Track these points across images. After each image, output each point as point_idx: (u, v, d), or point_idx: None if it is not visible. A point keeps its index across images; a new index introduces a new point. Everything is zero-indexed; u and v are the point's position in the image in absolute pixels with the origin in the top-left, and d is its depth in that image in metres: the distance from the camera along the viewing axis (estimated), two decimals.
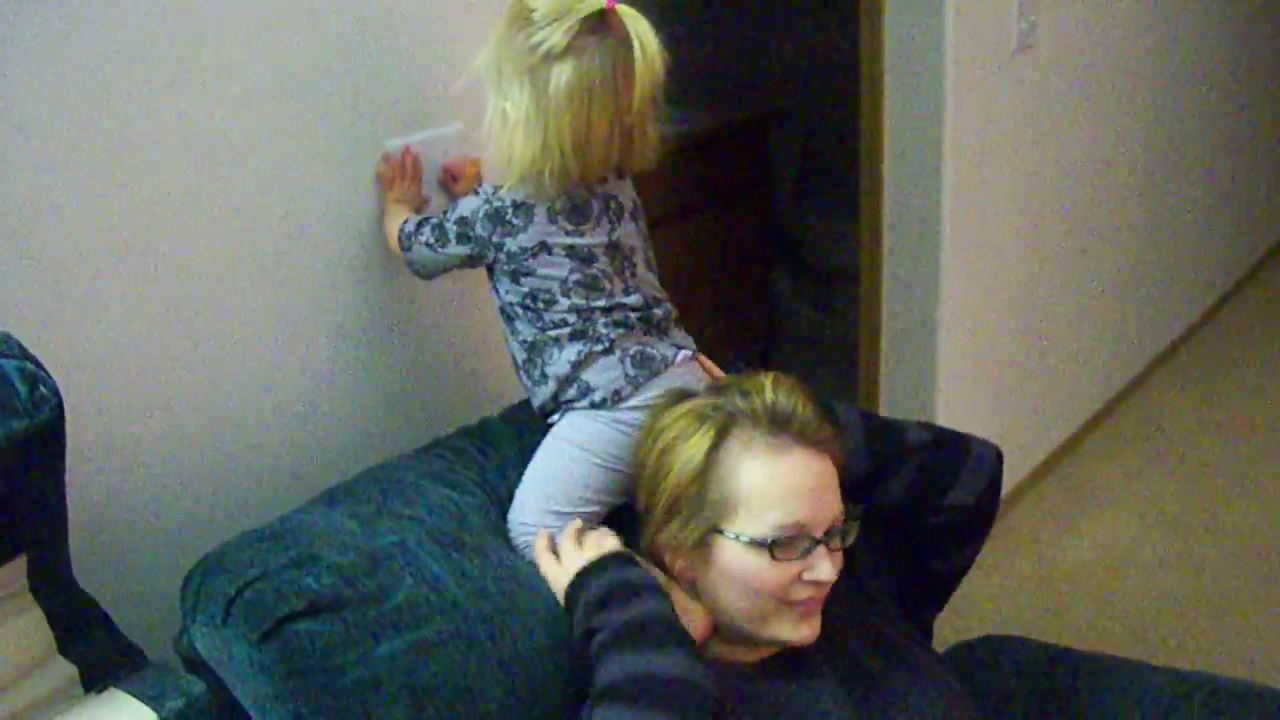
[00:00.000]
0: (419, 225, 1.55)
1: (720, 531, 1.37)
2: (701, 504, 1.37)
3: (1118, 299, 3.75)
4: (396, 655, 1.28)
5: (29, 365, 1.17)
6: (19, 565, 1.16)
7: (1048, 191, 3.17)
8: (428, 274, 1.59)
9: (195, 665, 1.32)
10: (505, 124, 1.42)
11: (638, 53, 1.39)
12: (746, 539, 1.35)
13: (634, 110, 1.42)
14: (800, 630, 1.39)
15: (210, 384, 1.53)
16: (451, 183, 1.70)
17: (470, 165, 1.71)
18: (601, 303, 1.50)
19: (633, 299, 1.52)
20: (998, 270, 3.01)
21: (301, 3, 1.53)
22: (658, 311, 1.55)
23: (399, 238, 1.57)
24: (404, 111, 1.67)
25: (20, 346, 1.19)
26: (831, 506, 1.38)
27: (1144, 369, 4.03)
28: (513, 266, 1.48)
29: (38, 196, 1.33)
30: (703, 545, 1.38)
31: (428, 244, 1.53)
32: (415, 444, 1.62)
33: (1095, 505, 3.34)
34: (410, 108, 1.68)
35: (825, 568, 1.36)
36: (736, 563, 1.37)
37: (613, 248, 1.50)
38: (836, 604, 1.44)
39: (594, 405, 1.50)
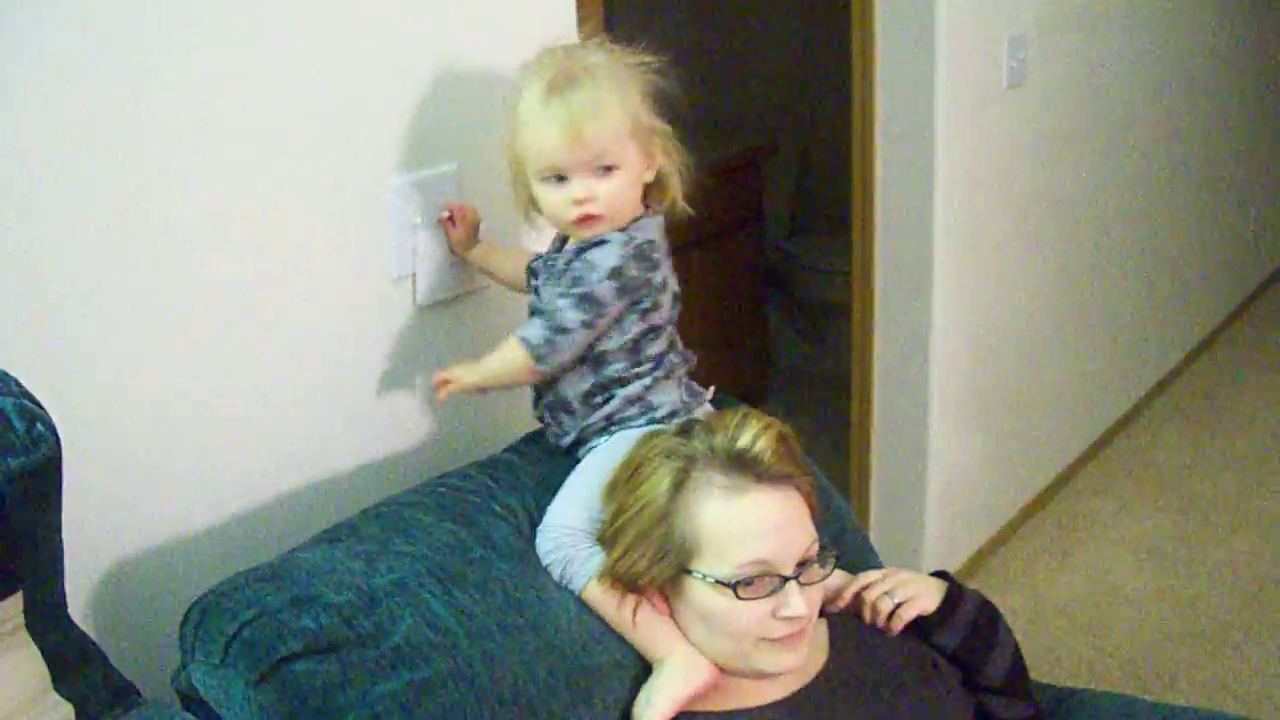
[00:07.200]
0: (547, 323, 1.47)
1: (688, 572, 1.38)
2: (668, 545, 1.38)
3: (1110, 333, 3.76)
4: (395, 695, 1.27)
5: (27, 403, 1.18)
6: (15, 602, 1.16)
7: (1040, 226, 3.19)
8: (573, 358, 1.50)
9: (192, 702, 1.32)
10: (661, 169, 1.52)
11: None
12: (712, 580, 1.36)
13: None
14: (782, 660, 1.40)
15: (211, 420, 1.53)
16: (449, 224, 1.70)
17: (471, 213, 1.71)
18: (678, 339, 1.58)
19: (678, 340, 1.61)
20: (990, 305, 3.03)
21: (315, 45, 1.55)
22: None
23: (532, 353, 1.48)
24: (402, 150, 1.68)
25: (18, 384, 1.20)
26: (798, 541, 1.38)
27: (1136, 403, 4.04)
28: (652, 300, 1.51)
29: (38, 227, 1.32)
30: (675, 584, 1.40)
31: (584, 323, 1.46)
32: (422, 478, 1.62)
33: (1088, 540, 3.35)
34: (408, 147, 1.69)
35: (796, 603, 1.36)
36: (707, 603, 1.38)
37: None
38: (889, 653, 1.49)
39: (652, 422, 1.54)
